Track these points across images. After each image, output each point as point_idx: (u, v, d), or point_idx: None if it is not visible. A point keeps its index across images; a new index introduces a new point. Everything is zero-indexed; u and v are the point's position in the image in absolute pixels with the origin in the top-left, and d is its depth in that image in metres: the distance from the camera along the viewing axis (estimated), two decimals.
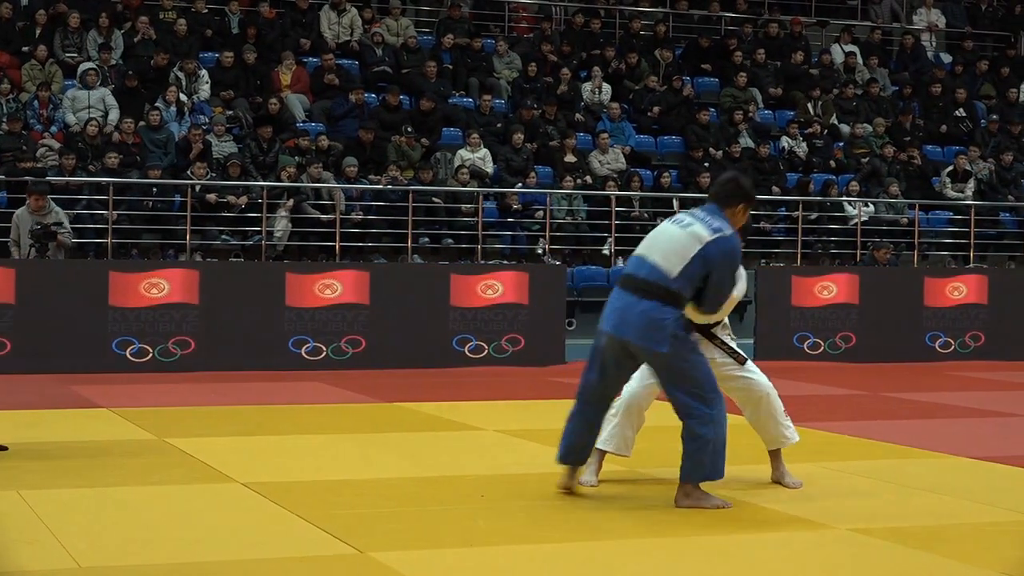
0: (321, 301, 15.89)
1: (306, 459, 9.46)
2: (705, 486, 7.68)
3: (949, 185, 20.91)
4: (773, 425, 8.24)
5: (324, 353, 15.89)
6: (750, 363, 8.18)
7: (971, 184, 20.90)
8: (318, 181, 17.66)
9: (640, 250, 7.62)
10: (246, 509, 7.61)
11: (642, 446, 10.22)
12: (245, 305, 15.77)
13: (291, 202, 17.46)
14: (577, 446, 7.94)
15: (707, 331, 7.92)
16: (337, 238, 17.38)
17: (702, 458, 7.54)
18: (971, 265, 19.87)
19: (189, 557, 6.40)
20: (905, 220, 20.15)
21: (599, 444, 8.24)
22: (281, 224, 17.44)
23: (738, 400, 8.26)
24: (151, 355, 15.40)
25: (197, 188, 17.18)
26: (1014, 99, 23.63)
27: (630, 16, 23.61)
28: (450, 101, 20.77)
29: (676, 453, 9.28)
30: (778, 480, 8.31)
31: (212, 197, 17.22)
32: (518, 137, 19.42)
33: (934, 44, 25.48)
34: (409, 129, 19.24)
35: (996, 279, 18.93)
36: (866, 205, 20.06)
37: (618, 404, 8.24)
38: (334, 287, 15.94)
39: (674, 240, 7.48)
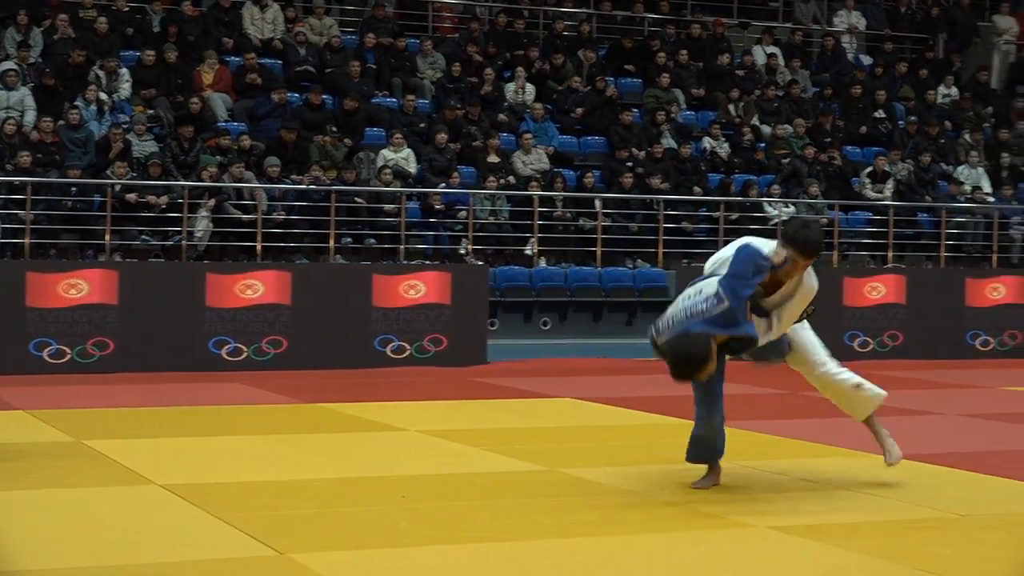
0: (242, 301, 15.81)
1: (226, 461, 9.40)
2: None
3: (868, 186, 21.10)
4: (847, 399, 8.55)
5: (245, 354, 15.80)
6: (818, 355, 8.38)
7: (890, 185, 21.10)
8: (240, 181, 17.55)
9: None
10: (165, 511, 7.55)
11: (561, 446, 10.27)
12: (165, 306, 15.65)
13: (212, 202, 17.33)
14: None
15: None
16: (259, 238, 17.27)
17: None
18: (889, 265, 20.08)
19: (107, 560, 6.34)
20: (825, 220, 20.31)
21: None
22: (202, 224, 17.31)
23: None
24: (69, 356, 15.25)
25: (117, 188, 17.00)
26: (932, 101, 23.89)
27: (554, 16, 23.65)
28: (373, 101, 20.71)
29: (596, 452, 9.32)
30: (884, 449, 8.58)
31: (132, 197, 17.05)
32: (441, 137, 19.38)
33: (854, 46, 25.71)
34: (333, 129, 19.17)
35: (914, 279, 19.16)
36: (786, 206, 20.22)
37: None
38: (255, 287, 15.86)
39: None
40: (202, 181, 17.43)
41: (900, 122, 23.19)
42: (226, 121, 19.39)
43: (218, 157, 18.04)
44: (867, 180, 21.13)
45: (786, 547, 6.87)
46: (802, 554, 6.74)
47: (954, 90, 24.41)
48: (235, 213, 17.49)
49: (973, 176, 21.96)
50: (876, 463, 8.68)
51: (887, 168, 21.19)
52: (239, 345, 15.79)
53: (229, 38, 20.86)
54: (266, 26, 21.27)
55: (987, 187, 21.86)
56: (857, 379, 8.50)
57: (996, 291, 19.34)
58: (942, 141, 22.74)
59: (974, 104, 24.08)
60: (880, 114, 23.18)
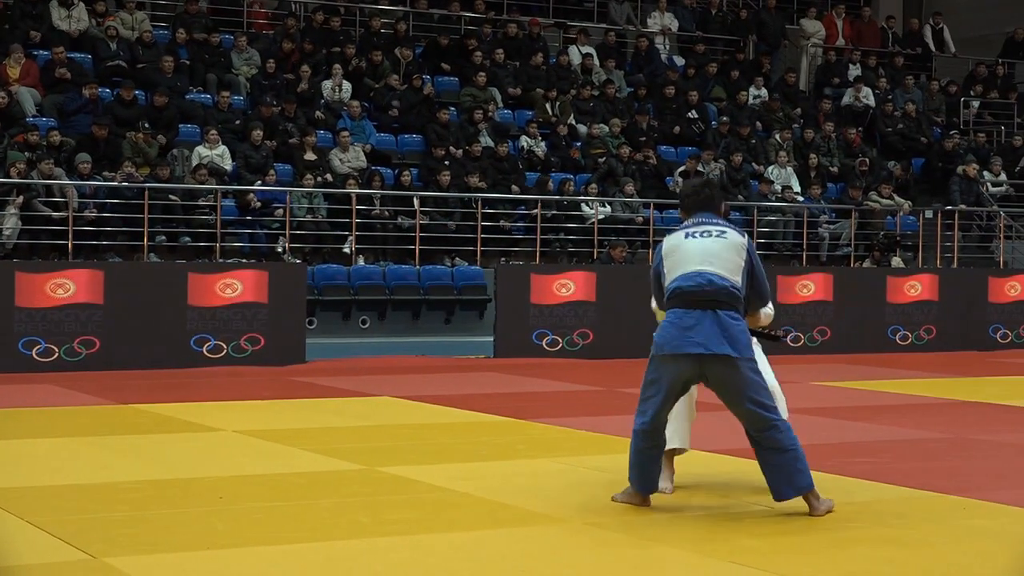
0: (53, 301, 15.47)
1: (38, 464, 9.20)
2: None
3: (682, 185, 21.45)
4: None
5: (56, 354, 15.47)
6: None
7: None
8: (49, 178, 17.19)
9: (692, 267, 7.47)
10: None
11: (380, 444, 10.27)
12: None
13: (21, 199, 16.95)
14: (656, 475, 7.81)
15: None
16: (70, 236, 16.94)
17: (801, 466, 7.54)
18: None
19: None
20: (640, 219, 20.61)
21: (670, 445, 8.03)
22: (10, 222, 16.94)
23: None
24: None
25: None
26: (743, 102, 24.38)
27: (370, 14, 23.59)
28: (187, 97, 20.44)
29: (415, 451, 9.32)
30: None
31: None
32: (257, 134, 19.21)
33: (667, 47, 26.12)
34: (145, 125, 18.87)
35: None
36: (603, 205, 20.46)
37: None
38: (67, 287, 15.53)
39: (721, 253, 7.49)
40: (10, 178, 17.03)
41: (712, 122, 23.63)
42: (35, 116, 18.98)
43: (27, 153, 17.64)
44: (680, 179, 21.47)
45: (601, 542, 6.95)
46: (616, 549, 6.83)
47: (764, 91, 24.96)
48: (45, 211, 17.14)
49: (783, 176, 22.48)
50: (690, 457, 8.80)
51: (700, 168, 21.57)
52: (50, 346, 15.45)
53: (37, 31, 20.40)
54: (73, 22, 20.82)
55: (796, 187, 22.40)
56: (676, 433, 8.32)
57: (806, 288, 19.80)
58: (753, 141, 23.22)
59: (783, 105, 24.66)
60: (693, 114, 23.60)
